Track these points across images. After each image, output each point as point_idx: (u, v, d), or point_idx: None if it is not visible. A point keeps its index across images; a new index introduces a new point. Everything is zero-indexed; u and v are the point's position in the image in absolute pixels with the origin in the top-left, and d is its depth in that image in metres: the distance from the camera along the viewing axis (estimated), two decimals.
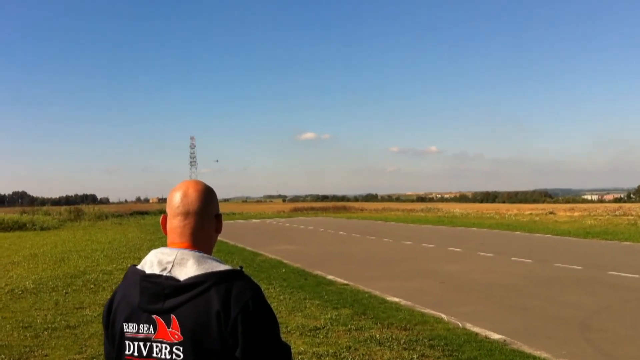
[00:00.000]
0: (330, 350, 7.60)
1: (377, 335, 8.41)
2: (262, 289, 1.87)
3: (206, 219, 1.94)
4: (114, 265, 17.50)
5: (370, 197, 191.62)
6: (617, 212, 49.98)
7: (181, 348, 1.73)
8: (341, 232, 33.92)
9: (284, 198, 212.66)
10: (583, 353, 7.74)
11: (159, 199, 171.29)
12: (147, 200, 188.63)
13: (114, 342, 1.87)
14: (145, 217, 65.09)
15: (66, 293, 12.65)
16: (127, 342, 1.82)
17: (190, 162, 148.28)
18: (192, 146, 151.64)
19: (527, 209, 67.94)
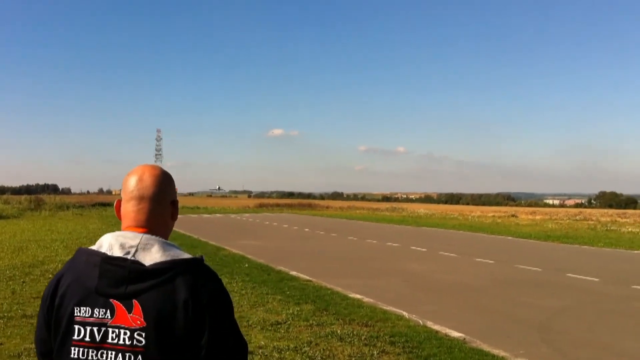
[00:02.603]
0: (291, 345, 7.58)
1: (339, 331, 8.41)
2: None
3: (161, 205, 1.88)
4: None
5: (336, 195, 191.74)
6: (577, 217, 50.99)
7: (143, 334, 1.68)
8: (306, 229, 33.92)
9: (249, 194, 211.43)
10: (540, 353, 7.85)
11: None
12: (110, 192, 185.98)
13: (58, 326, 1.76)
14: (107, 208, 64.17)
15: (23, 282, 12.39)
16: (76, 327, 1.72)
17: (156, 154, 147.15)
18: (158, 138, 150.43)
19: (490, 211, 68.82)
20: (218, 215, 54.60)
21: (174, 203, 1.94)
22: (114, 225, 32.06)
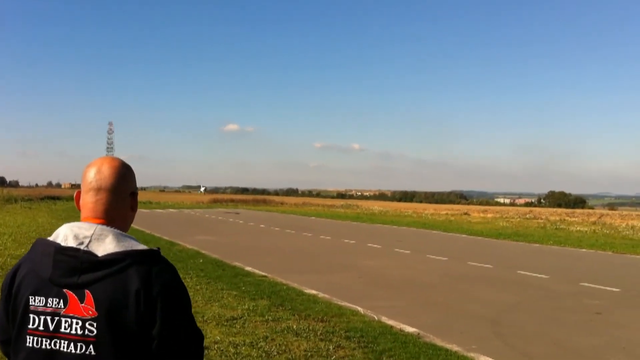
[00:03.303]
0: (247, 340, 7.53)
1: (294, 326, 8.40)
2: None
3: (119, 196, 1.87)
4: (23, 250, 16.73)
5: (291, 192, 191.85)
6: (527, 216, 52.15)
7: (95, 324, 1.68)
8: (261, 225, 33.82)
9: (204, 189, 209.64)
10: (493, 347, 7.98)
11: (72, 185, 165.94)
12: (59, 186, 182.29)
13: (15, 315, 1.77)
14: (56, 202, 62.95)
15: None
16: (31, 316, 1.73)
17: (107, 147, 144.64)
18: (110, 132, 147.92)
19: (444, 209, 69.81)
20: (171, 210, 53.99)
21: (134, 195, 1.94)
22: (64, 219, 31.34)
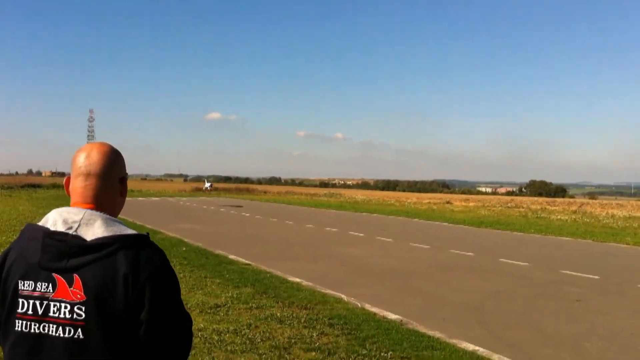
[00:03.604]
0: (231, 327, 7.54)
1: (278, 314, 8.42)
2: None
3: (108, 182, 1.89)
4: (4, 238, 16.67)
5: (274, 180, 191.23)
6: (509, 204, 52.57)
7: (83, 308, 1.69)
8: (244, 214, 33.77)
9: (185, 177, 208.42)
10: (475, 334, 8.06)
11: (53, 173, 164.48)
12: (39, 174, 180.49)
13: (5, 300, 1.78)
14: (37, 190, 62.35)
15: None
16: (20, 300, 1.74)
17: (88, 135, 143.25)
18: (91, 119, 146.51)
19: (426, 197, 70.20)
20: (154, 198, 53.69)
21: (123, 180, 1.95)
22: (45, 207, 31.07)
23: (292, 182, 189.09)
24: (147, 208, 37.20)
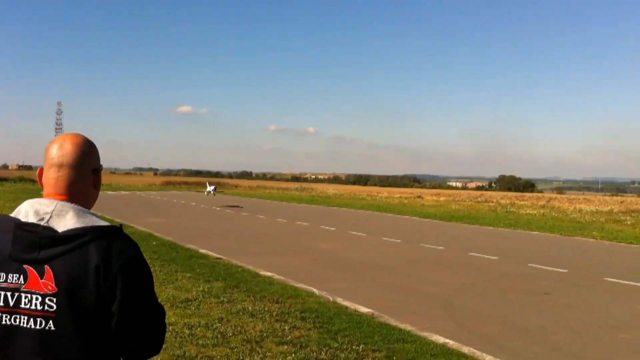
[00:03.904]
0: (202, 322, 7.49)
1: (250, 308, 8.39)
2: None
3: (81, 173, 1.87)
4: None
5: (245, 175, 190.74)
6: (479, 199, 53.18)
7: (54, 299, 1.68)
8: (214, 208, 33.59)
9: (155, 171, 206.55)
10: (446, 327, 8.12)
11: (20, 166, 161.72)
12: (6, 167, 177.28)
13: None
14: (4, 184, 61.23)
15: None
16: None
17: (56, 128, 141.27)
18: (59, 112, 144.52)
19: (397, 192, 70.57)
20: (123, 192, 53.12)
21: (96, 171, 1.94)
22: (12, 201, 30.56)
23: (264, 177, 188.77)
24: (117, 202, 36.78)
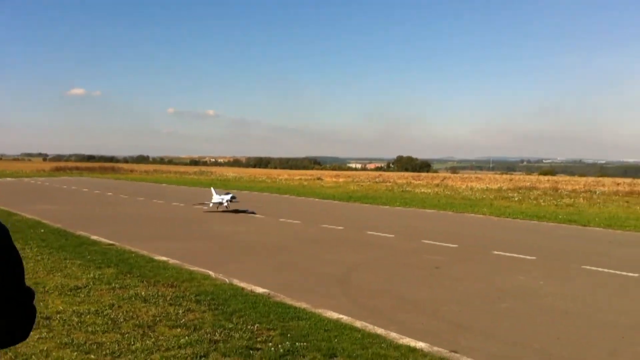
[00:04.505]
0: (92, 309, 7.26)
1: (143, 293, 8.21)
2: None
3: None
4: None
5: (142, 159, 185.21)
6: (377, 179, 54.25)
7: None
8: (108, 193, 32.54)
9: (44, 157, 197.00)
10: (340, 303, 8.29)
11: None
12: None
13: None
14: None
15: None
16: None
17: None
18: None
19: (297, 174, 70.79)
20: (9, 179, 50.37)
21: None
22: None
23: (161, 161, 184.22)
24: (2, 189, 34.84)
